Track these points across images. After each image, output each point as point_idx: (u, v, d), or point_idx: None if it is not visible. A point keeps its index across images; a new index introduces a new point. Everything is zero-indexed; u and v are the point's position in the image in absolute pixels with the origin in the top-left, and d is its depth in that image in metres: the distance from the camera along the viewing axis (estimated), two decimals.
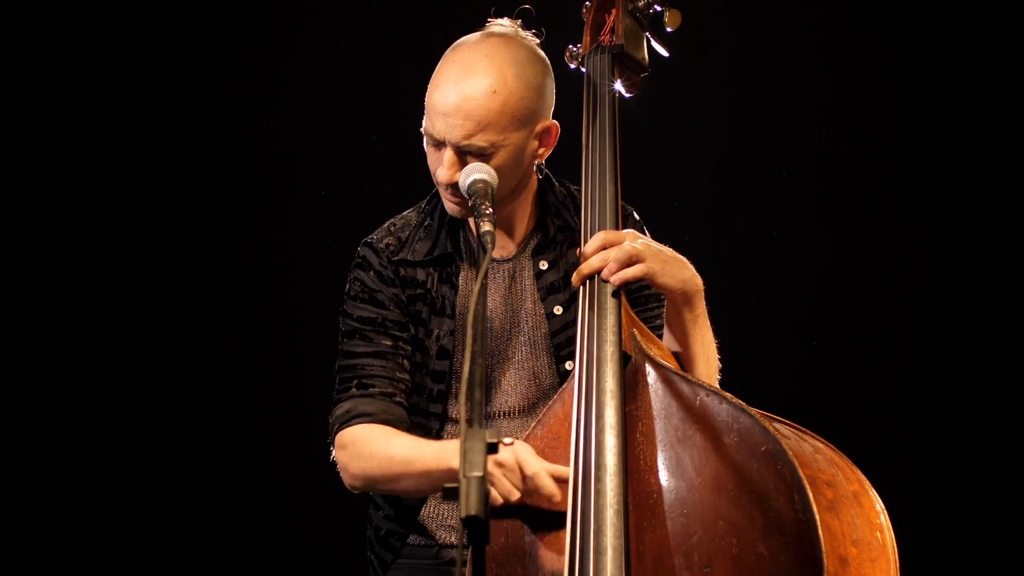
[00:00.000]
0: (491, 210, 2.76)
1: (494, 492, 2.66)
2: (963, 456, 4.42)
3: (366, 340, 3.03)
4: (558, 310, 3.06)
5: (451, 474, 2.76)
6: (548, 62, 2.99)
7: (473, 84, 2.86)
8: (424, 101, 2.94)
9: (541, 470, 2.65)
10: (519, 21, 3.01)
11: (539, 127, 2.94)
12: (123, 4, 4.48)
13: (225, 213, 4.56)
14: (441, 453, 2.85)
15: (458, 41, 2.97)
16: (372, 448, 2.93)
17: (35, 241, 4.47)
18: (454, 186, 2.89)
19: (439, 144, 2.89)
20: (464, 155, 2.87)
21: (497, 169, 2.87)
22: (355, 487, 3.00)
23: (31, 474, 4.46)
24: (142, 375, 4.51)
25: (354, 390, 3.00)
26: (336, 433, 3.00)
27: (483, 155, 2.86)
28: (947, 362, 4.46)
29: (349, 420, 2.98)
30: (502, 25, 2.99)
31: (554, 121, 2.98)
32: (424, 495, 3.06)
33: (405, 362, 3.03)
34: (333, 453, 3.02)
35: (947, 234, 4.47)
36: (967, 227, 4.46)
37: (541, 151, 2.99)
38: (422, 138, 2.96)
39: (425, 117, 2.93)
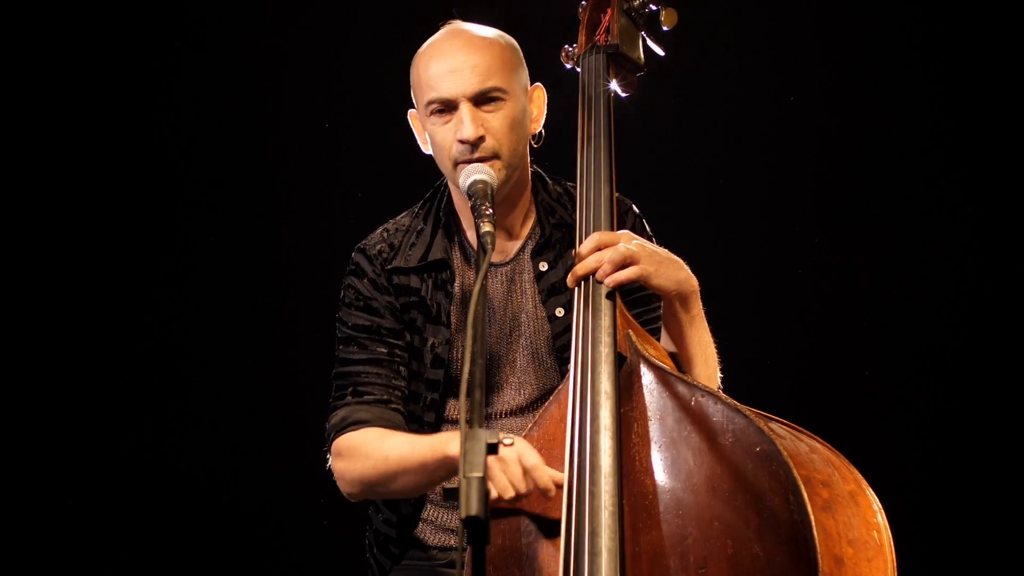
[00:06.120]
0: (491, 211, 2.77)
1: (493, 489, 2.63)
2: (961, 455, 4.41)
3: (361, 347, 3.02)
4: (559, 312, 3.05)
5: (448, 461, 2.75)
6: None
7: (467, 41, 2.94)
8: (413, 86, 2.98)
9: (540, 462, 2.63)
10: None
11: (530, 87, 3.02)
12: (121, 6, 4.49)
13: (223, 216, 4.56)
14: (436, 443, 2.81)
15: (425, 43, 3.01)
16: (367, 450, 2.92)
17: (35, 242, 4.48)
18: (475, 144, 2.89)
19: (450, 107, 2.90)
20: (481, 105, 2.90)
21: (511, 120, 2.91)
22: (352, 494, 2.98)
23: (30, 475, 4.46)
24: (142, 379, 4.51)
25: (349, 397, 2.99)
26: (332, 441, 2.98)
27: (500, 101, 2.90)
28: (945, 361, 4.45)
29: (345, 428, 2.96)
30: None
31: (539, 83, 3.05)
32: (422, 492, 3.03)
33: (401, 369, 3.02)
34: (329, 462, 3.00)
35: (945, 234, 4.45)
36: (965, 227, 4.44)
37: (536, 115, 3.03)
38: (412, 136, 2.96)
39: (424, 92, 2.94)
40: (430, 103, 2.92)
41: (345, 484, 2.97)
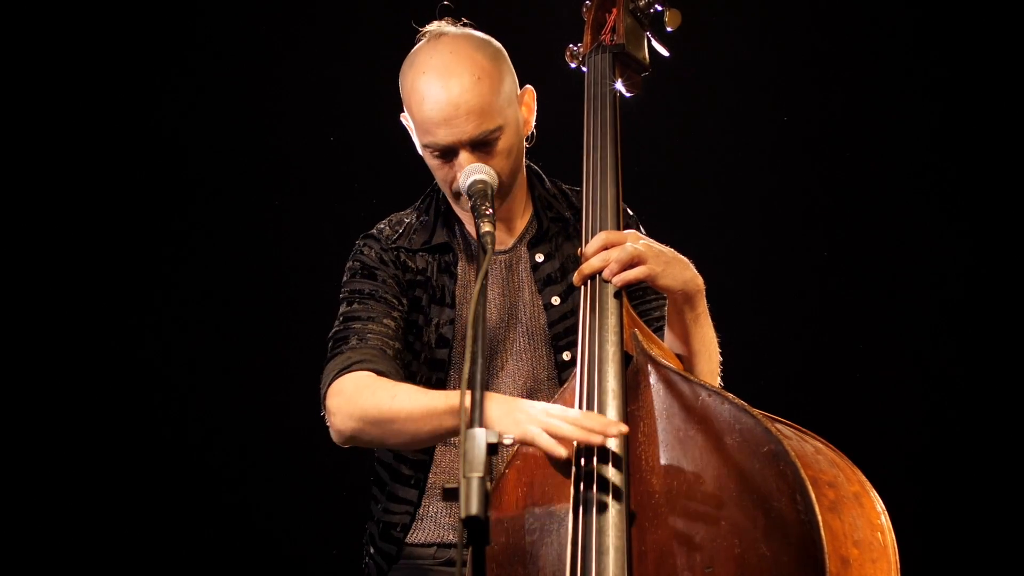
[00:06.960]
0: (491, 211, 2.78)
1: (546, 439, 2.55)
2: (963, 457, 4.42)
3: (364, 306, 3.01)
4: (555, 300, 3.07)
5: (455, 415, 2.68)
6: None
7: (458, 81, 2.89)
8: (405, 104, 2.97)
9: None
10: (445, 19, 3.04)
11: (519, 94, 3.01)
12: (119, 6, 4.48)
13: (223, 214, 4.56)
14: (450, 396, 2.76)
15: (411, 55, 3.00)
16: (375, 388, 2.84)
17: (36, 241, 4.47)
18: None
19: (449, 152, 2.91)
20: (480, 148, 2.89)
21: (509, 149, 2.92)
22: (344, 432, 2.85)
23: (28, 475, 4.45)
24: (142, 374, 4.51)
25: (354, 341, 2.95)
26: (333, 381, 2.89)
27: (497, 140, 2.90)
28: (947, 363, 4.46)
29: (349, 367, 2.89)
30: (433, 27, 3.02)
31: (528, 86, 3.03)
32: (419, 446, 2.97)
33: (400, 333, 3.00)
34: (325, 404, 2.89)
35: (946, 235, 4.47)
36: (967, 229, 4.46)
37: (528, 118, 3.03)
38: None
39: (421, 135, 2.94)
40: (427, 146, 2.93)
41: (341, 419, 2.84)
